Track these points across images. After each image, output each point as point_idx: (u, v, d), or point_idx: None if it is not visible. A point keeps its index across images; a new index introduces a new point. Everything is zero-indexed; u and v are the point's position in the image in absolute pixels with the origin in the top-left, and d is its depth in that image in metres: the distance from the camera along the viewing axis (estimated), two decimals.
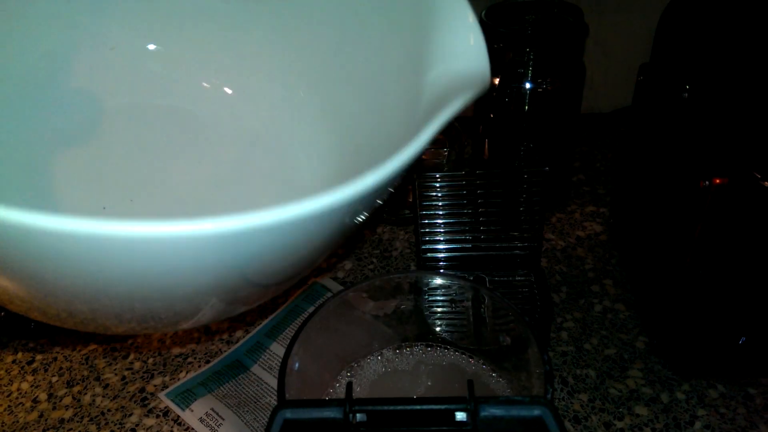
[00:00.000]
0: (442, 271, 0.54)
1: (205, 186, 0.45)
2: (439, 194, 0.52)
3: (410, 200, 0.59)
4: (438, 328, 0.45)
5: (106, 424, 0.50)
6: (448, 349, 0.45)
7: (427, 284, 0.45)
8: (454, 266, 0.55)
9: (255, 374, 0.53)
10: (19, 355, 0.57)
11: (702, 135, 0.43)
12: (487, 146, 0.68)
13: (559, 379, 0.51)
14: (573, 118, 0.66)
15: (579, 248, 0.65)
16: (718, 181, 0.39)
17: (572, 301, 0.59)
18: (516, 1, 0.64)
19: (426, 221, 0.53)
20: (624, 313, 0.57)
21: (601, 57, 0.80)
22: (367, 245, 0.68)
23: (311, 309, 0.59)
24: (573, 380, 0.51)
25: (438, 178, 0.51)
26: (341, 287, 0.62)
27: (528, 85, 0.61)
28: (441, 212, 0.53)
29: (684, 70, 0.47)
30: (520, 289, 0.53)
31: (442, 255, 0.55)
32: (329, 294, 0.61)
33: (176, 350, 0.56)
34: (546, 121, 0.64)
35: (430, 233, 0.54)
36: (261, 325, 0.59)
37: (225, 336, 0.58)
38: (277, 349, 0.56)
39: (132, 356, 0.56)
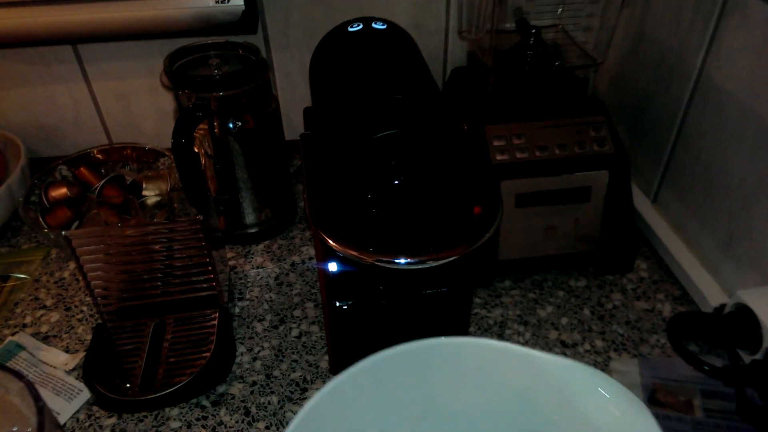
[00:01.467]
0: None
1: None
2: (110, 251, 0.53)
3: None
4: None
5: None
6: None
7: None
8: (140, 314, 0.57)
9: None
10: None
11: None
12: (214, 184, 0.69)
13: (243, 410, 0.55)
14: (277, 147, 0.70)
15: (292, 274, 0.69)
16: None
17: (273, 329, 0.62)
18: (198, 44, 0.65)
19: (98, 278, 0.54)
20: (316, 334, 0.62)
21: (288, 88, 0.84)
22: (79, 293, 0.67)
23: None
24: (255, 409, 0.55)
25: (94, 237, 0.52)
26: (40, 343, 0.60)
27: (230, 125, 0.64)
28: (113, 267, 0.53)
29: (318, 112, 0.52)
30: (200, 330, 0.56)
31: (123, 305, 0.56)
32: (23, 352, 0.59)
33: None
34: (253, 155, 0.67)
35: (105, 289, 0.55)
36: None
37: None
38: None
39: None
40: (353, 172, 0.42)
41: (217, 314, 0.57)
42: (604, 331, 0.61)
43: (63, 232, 0.50)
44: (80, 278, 0.68)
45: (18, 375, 0.30)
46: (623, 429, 0.33)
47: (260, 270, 0.69)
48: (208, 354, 0.53)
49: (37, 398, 0.29)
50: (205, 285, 0.56)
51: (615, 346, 0.59)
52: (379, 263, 0.40)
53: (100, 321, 0.56)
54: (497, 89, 0.62)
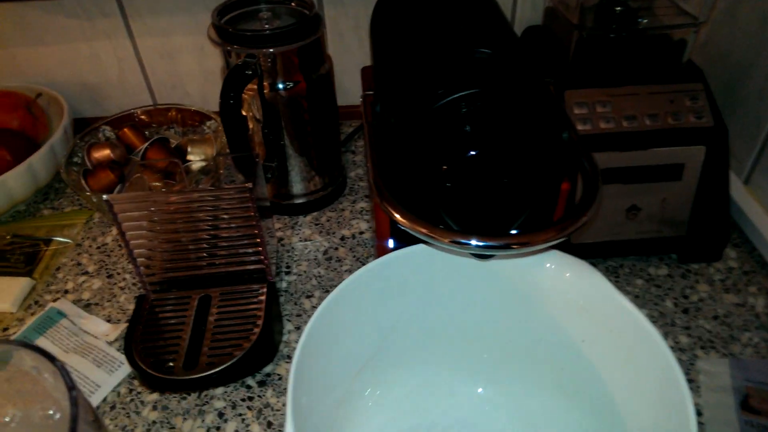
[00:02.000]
0: None
1: None
2: (154, 218, 0.49)
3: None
4: None
5: None
6: None
7: None
8: (185, 286, 0.53)
9: None
10: None
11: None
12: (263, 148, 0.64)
13: None
14: (329, 113, 0.65)
15: (341, 248, 0.65)
16: None
17: None
18: None
19: (140, 247, 0.50)
20: None
21: (341, 50, 0.78)
22: (122, 260, 0.64)
23: (40, 340, 0.55)
24: None
25: (137, 202, 0.48)
26: (81, 311, 0.58)
27: (280, 86, 0.59)
28: (157, 235, 0.50)
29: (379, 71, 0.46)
30: (246, 305, 0.52)
31: (167, 276, 0.52)
32: (64, 319, 0.56)
33: None
34: (304, 119, 0.62)
35: (148, 258, 0.51)
36: None
37: None
38: None
39: None
40: (425, 139, 0.37)
41: (265, 289, 0.53)
42: (689, 326, 0.54)
43: (104, 196, 0.46)
44: (123, 245, 0.65)
45: (51, 358, 0.26)
46: (575, 286, 0.39)
47: (308, 243, 0.65)
48: (256, 331, 0.49)
49: (70, 386, 0.25)
50: (253, 258, 0.52)
51: (702, 343, 0.53)
52: (454, 245, 0.34)
53: (142, 292, 0.53)
54: (581, 49, 0.55)
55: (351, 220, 0.68)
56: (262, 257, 0.52)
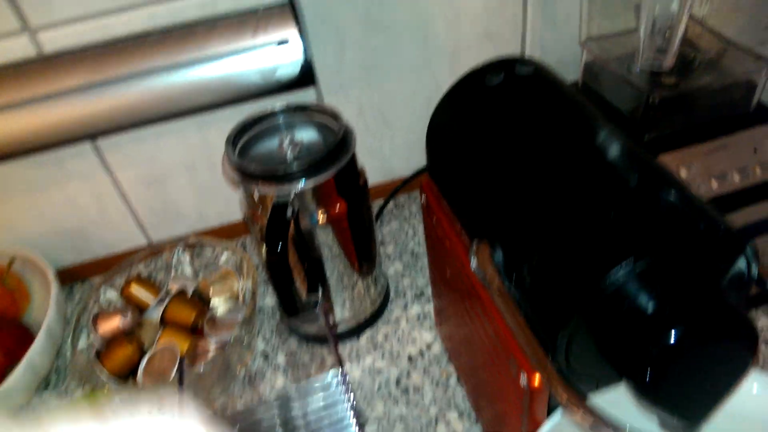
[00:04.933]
0: None
1: None
2: None
3: None
4: None
5: None
6: None
7: None
8: None
9: None
10: None
11: None
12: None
13: None
14: (368, 222, 0.57)
15: (414, 374, 0.56)
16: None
17: None
18: (257, 117, 0.51)
19: None
20: None
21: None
22: None
23: None
24: None
25: None
26: None
27: (318, 216, 0.50)
28: None
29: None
30: None
31: None
32: None
33: None
34: (345, 240, 0.53)
35: None
36: None
37: None
38: None
39: None
40: (602, 319, 0.29)
41: None
42: None
43: None
44: None
45: None
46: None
47: (375, 374, 0.57)
48: None
49: None
50: None
51: None
52: None
53: None
54: (651, 113, 0.49)
55: (411, 332, 0.60)
56: None
